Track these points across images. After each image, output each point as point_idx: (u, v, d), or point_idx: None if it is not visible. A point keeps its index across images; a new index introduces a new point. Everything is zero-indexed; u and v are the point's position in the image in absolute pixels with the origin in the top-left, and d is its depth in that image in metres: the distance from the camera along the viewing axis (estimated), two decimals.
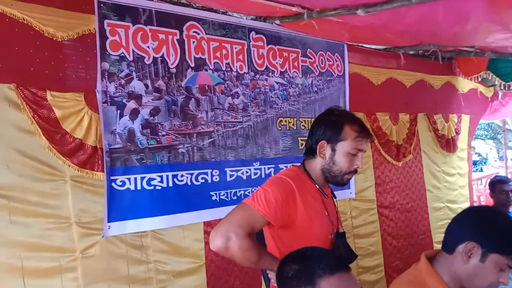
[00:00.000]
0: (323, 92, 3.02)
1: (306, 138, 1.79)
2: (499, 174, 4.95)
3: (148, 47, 2.17)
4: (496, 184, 3.75)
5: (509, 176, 6.03)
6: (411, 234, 3.65)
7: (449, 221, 1.54)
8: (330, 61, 3.07)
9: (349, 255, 1.73)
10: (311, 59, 2.94)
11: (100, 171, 2.01)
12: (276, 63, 2.72)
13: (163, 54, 2.21)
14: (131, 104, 2.10)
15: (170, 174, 2.20)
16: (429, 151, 3.97)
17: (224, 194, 2.43)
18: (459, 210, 1.59)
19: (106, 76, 2.04)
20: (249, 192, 2.49)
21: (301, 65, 2.87)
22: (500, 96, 4.95)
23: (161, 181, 2.17)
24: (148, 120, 2.14)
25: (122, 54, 2.09)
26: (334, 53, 3.10)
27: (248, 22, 2.58)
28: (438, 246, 1.56)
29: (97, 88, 2.01)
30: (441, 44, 3.24)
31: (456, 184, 4.28)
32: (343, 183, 1.71)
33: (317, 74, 2.98)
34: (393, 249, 3.48)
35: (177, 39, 2.26)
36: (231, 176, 2.47)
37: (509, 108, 5.25)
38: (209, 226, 2.34)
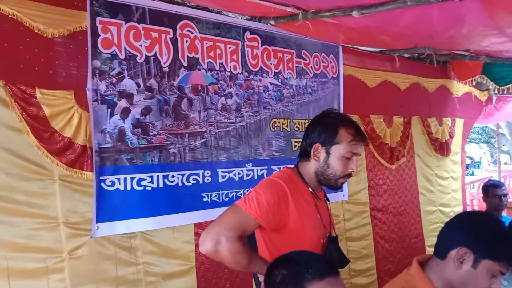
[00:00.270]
0: (317, 93, 3.00)
1: (299, 140, 1.77)
2: (492, 178, 4.95)
3: (140, 45, 2.14)
4: (489, 188, 3.76)
5: (502, 180, 6.06)
6: (404, 237, 3.64)
7: (442, 224, 1.53)
8: (325, 63, 3.06)
9: (341, 259, 1.71)
10: (306, 60, 2.92)
11: (89, 170, 1.97)
12: (271, 63, 2.70)
13: (155, 52, 2.18)
14: (122, 103, 2.07)
15: (160, 174, 2.17)
16: (423, 154, 3.97)
17: (215, 196, 2.40)
18: (452, 214, 1.58)
19: (97, 74, 2.01)
20: (241, 194, 2.47)
21: (296, 66, 2.85)
22: (494, 101, 4.96)
23: (152, 182, 2.14)
24: (139, 120, 2.11)
25: (114, 52, 2.06)
26: (329, 54, 3.08)
27: (242, 22, 2.56)
28: (430, 250, 1.54)
29: (88, 86, 1.98)
30: (436, 47, 3.24)
31: (449, 187, 4.28)
32: (336, 187, 1.69)
33: (311, 75, 2.96)
34: (386, 252, 3.47)
35: (170, 38, 2.24)
36: (223, 177, 2.44)
37: (503, 112, 5.27)
38: (200, 227, 2.31)
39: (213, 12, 2.43)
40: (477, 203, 7.04)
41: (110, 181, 2.02)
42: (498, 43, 2.71)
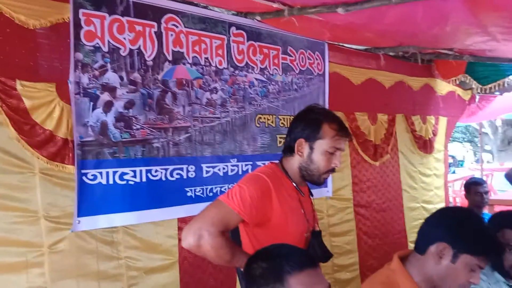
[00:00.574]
0: (303, 90, 3.01)
1: (284, 135, 1.78)
2: (474, 176, 5.04)
3: (124, 38, 2.11)
4: (471, 185, 3.83)
5: (484, 178, 6.16)
6: (386, 233, 3.68)
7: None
8: (311, 60, 3.06)
9: (324, 254, 1.72)
10: (292, 56, 2.92)
11: (70, 164, 1.95)
12: (256, 59, 2.69)
13: (139, 46, 2.16)
14: (105, 96, 2.04)
15: (143, 169, 2.15)
16: (406, 152, 4.01)
17: (199, 191, 2.39)
18: (434, 211, 1.61)
19: (79, 67, 1.98)
20: (225, 189, 2.47)
21: (282, 63, 2.85)
22: (477, 99, 5.04)
23: (134, 176, 2.12)
24: (122, 113, 2.09)
25: (97, 45, 2.03)
26: (315, 51, 3.09)
27: (228, 17, 2.55)
28: (412, 246, 1.56)
29: (70, 79, 1.95)
30: (420, 45, 3.27)
31: (432, 185, 4.34)
32: (320, 182, 1.70)
33: (297, 72, 2.96)
34: (369, 248, 3.50)
35: (154, 32, 2.21)
36: (207, 172, 2.43)
37: (486, 111, 5.36)
38: (183, 222, 2.30)
39: (199, 7, 2.41)
40: (460, 201, 7.15)
41: (92, 175, 1.99)
42: (481, 42, 2.75)
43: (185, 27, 2.33)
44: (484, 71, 3.87)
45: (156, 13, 2.22)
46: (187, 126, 2.34)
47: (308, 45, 3.03)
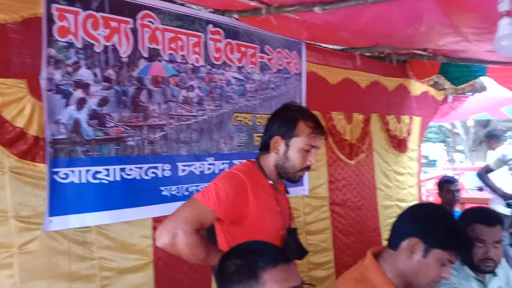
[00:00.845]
0: (280, 89, 3.02)
1: (262, 134, 1.78)
2: (447, 175, 5.16)
3: (98, 34, 2.07)
4: (444, 184, 3.93)
5: (456, 177, 6.32)
6: (361, 231, 3.73)
7: None
8: (288, 59, 3.08)
9: (300, 251, 1.73)
10: (269, 55, 2.93)
11: (41, 162, 1.90)
12: (234, 57, 2.68)
13: (114, 42, 2.12)
14: (78, 93, 2.00)
15: (117, 167, 2.11)
16: (381, 151, 4.07)
17: (175, 190, 2.37)
18: (406, 207, 1.64)
19: (52, 63, 1.93)
20: (201, 188, 2.43)
21: (259, 61, 2.85)
22: (450, 100, 5.16)
23: (108, 175, 2.08)
24: (96, 111, 2.05)
25: (71, 41, 1.99)
26: (292, 50, 3.10)
27: (206, 14, 2.53)
28: (386, 243, 1.59)
29: (42, 75, 1.90)
30: (395, 46, 3.32)
31: (406, 183, 4.43)
32: (295, 180, 1.71)
33: (274, 71, 2.97)
34: (344, 245, 3.54)
35: (130, 28, 2.18)
36: (183, 171, 2.41)
37: (458, 111, 5.51)
38: (158, 222, 2.26)
39: (176, 4, 2.39)
40: (433, 199, 7.31)
41: (64, 174, 1.95)
42: (454, 42, 2.81)
43: (161, 24, 2.30)
44: (456, 72, 3.97)
45: (132, 10, 2.18)
46: (163, 124, 2.31)
47: (286, 44, 3.04)
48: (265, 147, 1.72)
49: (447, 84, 4.09)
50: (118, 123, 2.12)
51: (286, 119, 1.67)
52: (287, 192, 1.85)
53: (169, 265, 2.39)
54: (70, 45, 1.98)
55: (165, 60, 2.32)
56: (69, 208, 1.96)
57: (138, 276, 2.24)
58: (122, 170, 2.14)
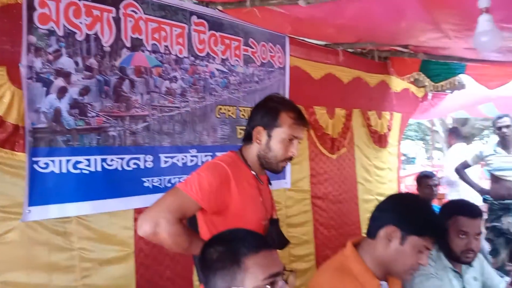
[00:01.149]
0: (263, 82, 3.02)
1: (245, 127, 1.78)
2: (426, 170, 5.26)
3: (80, 22, 2.04)
4: (422, 179, 4.01)
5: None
6: (342, 224, 3.78)
7: None
8: (272, 53, 3.08)
9: (281, 241, 1.75)
10: (253, 48, 2.93)
11: (21, 151, 1.86)
12: (218, 49, 2.68)
13: (96, 31, 2.09)
14: (59, 82, 1.97)
15: (99, 158, 2.09)
16: (362, 146, 4.13)
17: (157, 181, 2.36)
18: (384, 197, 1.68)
19: (32, 51, 1.89)
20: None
21: (243, 54, 2.85)
22: (430, 97, 5.25)
23: (89, 165, 2.06)
24: (77, 100, 2.02)
25: (52, 28, 1.95)
26: (276, 44, 3.11)
27: (190, 5, 2.51)
28: None
29: (22, 63, 1.86)
30: (378, 41, 3.36)
31: (386, 178, 4.50)
32: (277, 171, 1.72)
33: (258, 64, 2.97)
34: (324, 238, 3.58)
35: (113, 17, 2.15)
36: (165, 162, 2.40)
37: (437, 109, 5.60)
38: (139, 213, 2.20)
39: None
40: None
41: (44, 163, 1.92)
42: (434, 39, 2.86)
43: (144, 13, 2.28)
44: (436, 69, 4.04)
45: None
46: (145, 115, 2.30)
47: (270, 38, 3.05)
48: (248, 138, 1.73)
49: (427, 81, 4.15)
50: (99, 113, 2.10)
51: (268, 110, 1.68)
52: (270, 184, 1.86)
53: (151, 257, 2.38)
54: (51, 32, 1.95)
55: (148, 51, 2.30)
56: (49, 198, 1.93)
57: (119, 267, 2.23)
58: (104, 160, 2.11)
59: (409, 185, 8.31)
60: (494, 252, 4.03)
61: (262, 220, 1.70)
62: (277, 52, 3.12)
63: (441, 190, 5.09)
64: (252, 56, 2.92)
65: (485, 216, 4.17)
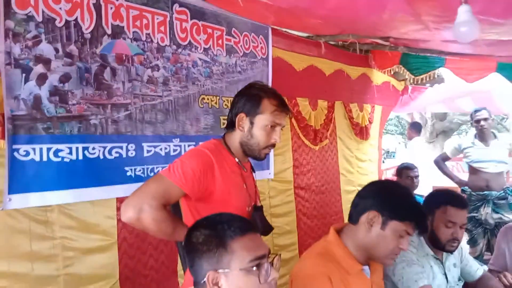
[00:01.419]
0: (246, 73, 3.02)
1: None
2: (406, 162, 5.35)
3: (60, 8, 2.01)
4: (403, 170, 4.07)
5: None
6: (324, 214, 3.82)
7: None
8: (255, 43, 3.08)
9: (265, 227, 1.76)
10: (236, 38, 2.92)
11: (0, 138, 1.82)
12: (200, 39, 2.66)
13: (77, 17, 2.06)
14: (39, 68, 1.93)
15: (80, 146, 2.06)
16: (344, 137, 4.17)
17: (140, 170, 2.34)
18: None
19: (10, 36, 1.85)
20: None
21: (226, 44, 2.84)
22: (409, 90, 5.33)
23: (70, 153, 2.03)
24: (57, 87, 1.99)
25: (30, 14, 1.91)
26: (259, 35, 3.11)
27: None
28: None
29: (0, 49, 1.83)
30: (360, 33, 3.39)
31: (367, 169, 4.55)
32: (260, 158, 1.73)
33: (241, 54, 2.97)
34: (307, 228, 3.62)
35: (93, 3, 2.12)
36: (148, 151, 2.38)
37: (417, 102, 5.69)
38: (122, 202, 2.22)
39: None
40: None
41: (24, 151, 1.88)
42: (415, 31, 2.90)
43: (125, 0, 2.25)
44: (416, 63, 4.09)
45: None
46: (127, 103, 2.28)
47: (252, 28, 3.05)
48: (230, 125, 1.73)
49: (407, 74, 4.21)
50: (80, 101, 2.07)
51: (250, 97, 1.69)
52: (253, 171, 1.87)
53: (134, 247, 2.37)
54: (30, 18, 1.91)
55: (130, 38, 2.28)
56: (30, 186, 1.89)
57: (102, 256, 2.20)
58: (85, 148, 2.09)
59: (389, 178, 8.44)
60: (472, 242, 4.12)
61: (246, 207, 1.70)
62: (260, 42, 3.12)
63: None
64: (235, 46, 2.92)
65: None
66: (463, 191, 4.36)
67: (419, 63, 4.09)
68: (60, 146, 2.00)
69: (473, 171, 4.19)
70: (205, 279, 1.08)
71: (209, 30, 2.72)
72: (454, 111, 9.71)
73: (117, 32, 2.22)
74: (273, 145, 1.72)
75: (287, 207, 3.43)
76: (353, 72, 4.19)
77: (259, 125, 1.66)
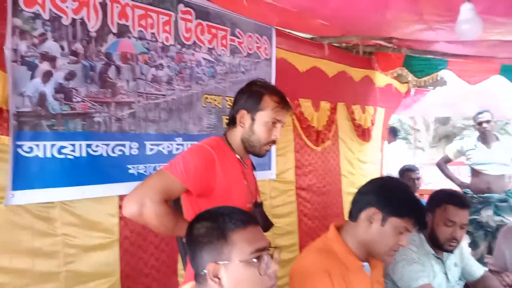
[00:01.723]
0: (250, 73, 3.04)
1: None
2: (408, 164, 5.35)
3: (66, 7, 2.02)
4: (405, 172, 4.08)
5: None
6: (326, 215, 3.82)
7: None
8: (258, 44, 3.10)
9: (266, 223, 1.77)
10: (240, 39, 2.94)
11: (5, 135, 1.83)
12: (204, 38, 2.68)
13: (83, 16, 2.08)
14: (44, 66, 1.95)
15: (83, 143, 2.07)
16: (346, 139, 4.18)
17: (142, 168, 2.35)
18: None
19: (17, 33, 1.87)
20: None
21: (230, 44, 2.86)
22: (412, 93, 5.34)
23: (74, 150, 2.04)
24: (62, 85, 2.00)
25: (37, 12, 1.93)
26: (263, 36, 3.13)
27: None
28: None
29: (6, 45, 1.84)
30: (363, 34, 3.40)
31: (369, 171, 4.55)
32: (261, 154, 1.75)
33: (245, 54, 2.99)
34: (308, 229, 3.62)
35: (99, 2, 2.14)
36: (151, 150, 2.40)
37: (420, 104, 5.70)
38: None
39: None
40: None
41: (28, 147, 1.90)
42: (418, 31, 2.90)
43: (131, 0, 2.27)
44: (419, 65, 4.11)
45: None
46: (131, 101, 2.29)
47: (256, 29, 3.06)
48: (232, 122, 1.75)
49: (410, 77, 4.22)
50: (85, 98, 2.09)
51: (252, 94, 1.71)
52: (254, 168, 1.89)
53: (135, 245, 2.38)
54: (37, 16, 1.93)
55: (135, 37, 2.29)
56: (33, 182, 1.91)
57: (103, 254, 2.21)
58: (88, 146, 2.10)
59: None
60: (473, 245, 4.12)
61: (247, 203, 1.72)
62: (264, 43, 3.14)
63: None
64: (238, 46, 2.93)
65: None
66: (464, 193, 4.37)
67: (422, 65, 4.11)
68: (63, 143, 2.01)
69: (475, 173, 4.19)
70: (205, 270, 1.09)
71: (214, 30, 2.73)
72: (457, 115, 9.70)
73: (123, 31, 2.24)
74: (274, 142, 1.74)
75: (288, 208, 3.44)
76: (356, 74, 4.20)
77: (260, 122, 1.68)
